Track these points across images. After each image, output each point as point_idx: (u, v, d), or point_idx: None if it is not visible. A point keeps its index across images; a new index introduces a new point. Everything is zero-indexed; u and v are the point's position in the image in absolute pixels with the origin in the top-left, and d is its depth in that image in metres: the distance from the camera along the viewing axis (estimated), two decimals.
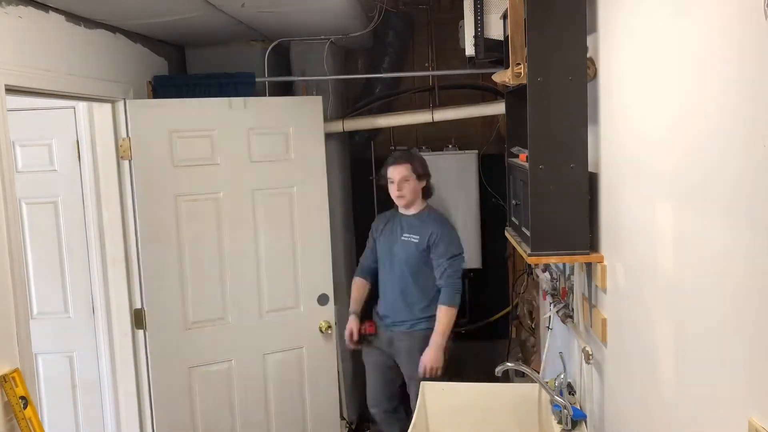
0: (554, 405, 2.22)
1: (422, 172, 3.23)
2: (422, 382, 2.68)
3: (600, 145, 1.89)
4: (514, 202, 2.29)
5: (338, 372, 3.48)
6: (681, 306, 1.31)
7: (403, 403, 3.41)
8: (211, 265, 3.14)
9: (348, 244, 3.97)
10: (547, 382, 2.32)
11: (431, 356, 3.09)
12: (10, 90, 2.22)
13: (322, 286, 3.37)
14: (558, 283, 2.48)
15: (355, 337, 3.30)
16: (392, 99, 4.08)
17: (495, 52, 2.39)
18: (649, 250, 1.49)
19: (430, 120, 3.62)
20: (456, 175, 4.04)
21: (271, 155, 3.23)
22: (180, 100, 3.09)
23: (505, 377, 3.66)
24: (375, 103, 3.92)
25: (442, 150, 4.12)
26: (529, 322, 3.78)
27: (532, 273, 3.52)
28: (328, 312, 3.38)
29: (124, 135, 2.95)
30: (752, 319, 1.00)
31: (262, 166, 3.22)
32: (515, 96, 2.22)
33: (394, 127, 4.13)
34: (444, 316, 3.11)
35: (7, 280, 2.11)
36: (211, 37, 3.41)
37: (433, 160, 3.84)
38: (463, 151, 4.07)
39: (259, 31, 3.34)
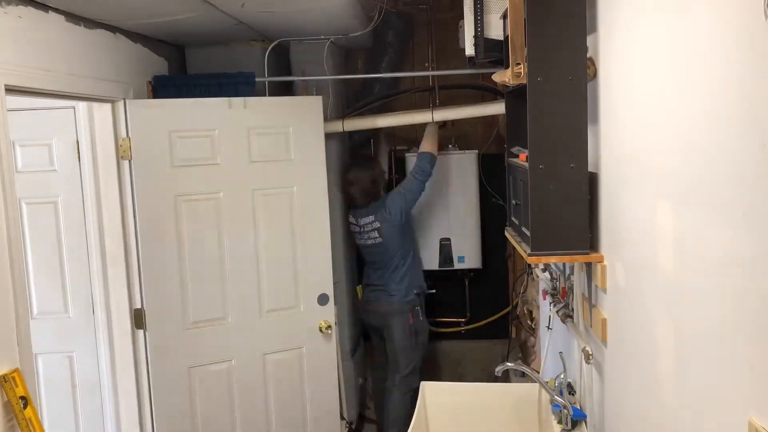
0: (554, 405, 2.22)
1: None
2: (422, 382, 2.68)
3: (600, 145, 1.89)
4: (514, 202, 2.29)
5: (338, 372, 3.48)
6: (681, 306, 1.31)
7: None
8: (211, 265, 3.14)
9: (348, 244, 3.97)
10: (547, 382, 2.33)
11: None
12: (10, 90, 2.22)
13: (322, 286, 3.37)
14: (558, 283, 2.48)
15: None
16: (392, 99, 4.08)
17: (495, 52, 2.38)
18: (649, 250, 1.49)
19: (430, 120, 3.63)
20: (456, 175, 4.04)
21: (271, 155, 3.23)
22: (180, 100, 3.09)
23: (505, 377, 3.67)
24: (375, 103, 3.92)
25: (442, 150, 4.12)
26: (529, 322, 3.78)
27: (532, 273, 3.52)
28: (328, 312, 3.38)
29: (124, 135, 2.95)
30: (752, 319, 1.00)
31: (262, 166, 3.22)
32: (515, 96, 2.22)
33: (394, 127, 4.12)
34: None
35: (7, 280, 2.11)
36: (211, 37, 3.41)
37: None
38: (463, 151, 4.07)
39: (259, 31, 3.34)
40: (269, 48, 3.51)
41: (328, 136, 3.44)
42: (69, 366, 3.11)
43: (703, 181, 1.17)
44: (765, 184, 0.93)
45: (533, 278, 3.52)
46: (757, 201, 0.96)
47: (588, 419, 2.15)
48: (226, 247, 3.16)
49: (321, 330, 3.37)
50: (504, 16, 2.25)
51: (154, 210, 3.01)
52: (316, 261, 3.35)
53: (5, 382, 2.05)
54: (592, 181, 1.89)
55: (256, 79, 3.35)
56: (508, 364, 2.41)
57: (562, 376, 2.27)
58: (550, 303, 2.54)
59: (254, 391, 3.28)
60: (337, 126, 3.61)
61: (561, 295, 2.42)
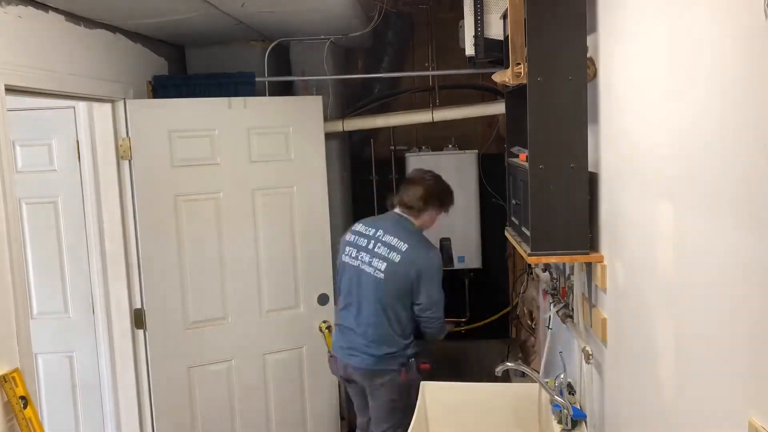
0: (554, 405, 2.22)
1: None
2: (422, 382, 2.67)
3: (600, 145, 1.89)
4: (514, 202, 2.29)
5: None
6: (681, 306, 1.31)
7: None
8: (211, 264, 3.14)
9: None
10: (547, 382, 2.32)
11: None
12: (10, 90, 2.22)
13: (322, 286, 3.37)
14: (558, 282, 2.47)
15: None
16: (392, 99, 4.08)
17: (495, 52, 2.38)
18: (649, 250, 1.49)
19: (430, 120, 3.62)
20: (456, 175, 4.02)
21: (271, 155, 3.23)
22: (180, 100, 3.09)
23: (505, 377, 3.66)
24: (375, 103, 3.92)
25: (442, 150, 4.12)
26: (529, 322, 3.78)
27: (532, 273, 3.52)
28: (328, 312, 3.38)
29: (123, 135, 2.95)
30: (752, 319, 1.00)
31: (262, 166, 3.22)
32: (515, 96, 2.22)
33: (394, 127, 4.13)
34: None
35: (7, 280, 2.11)
36: (211, 37, 3.41)
37: (433, 160, 3.85)
38: (463, 151, 4.07)
39: (259, 31, 3.34)
40: (269, 48, 3.51)
41: (328, 136, 3.44)
42: (69, 366, 3.11)
43: (703, 180, 1.17)
44: (765, 184, 0.93)
45: (533, 278, 3.51)
46: (757, 201, 0.96)
47: (588, 419, 2.15)
48: (226, 247, 3.16)
49: (321, 330, 3.37)
50: (504, 16, 2.25)
51: (154, 210, 3.01)
52: (316, 261, 3.35)
53: (5, 382, 2.05)
54: (592, 181, 1.89)
55: (256, 79, 3.35)
56: (508, 364, 2.40)
57: (562, 376, 2.27)
58: (550, 303, 2.54)
59: (254, 391, 3.29)
60: (337, 126, 3.61)
61: (561, 295, 2.42)
